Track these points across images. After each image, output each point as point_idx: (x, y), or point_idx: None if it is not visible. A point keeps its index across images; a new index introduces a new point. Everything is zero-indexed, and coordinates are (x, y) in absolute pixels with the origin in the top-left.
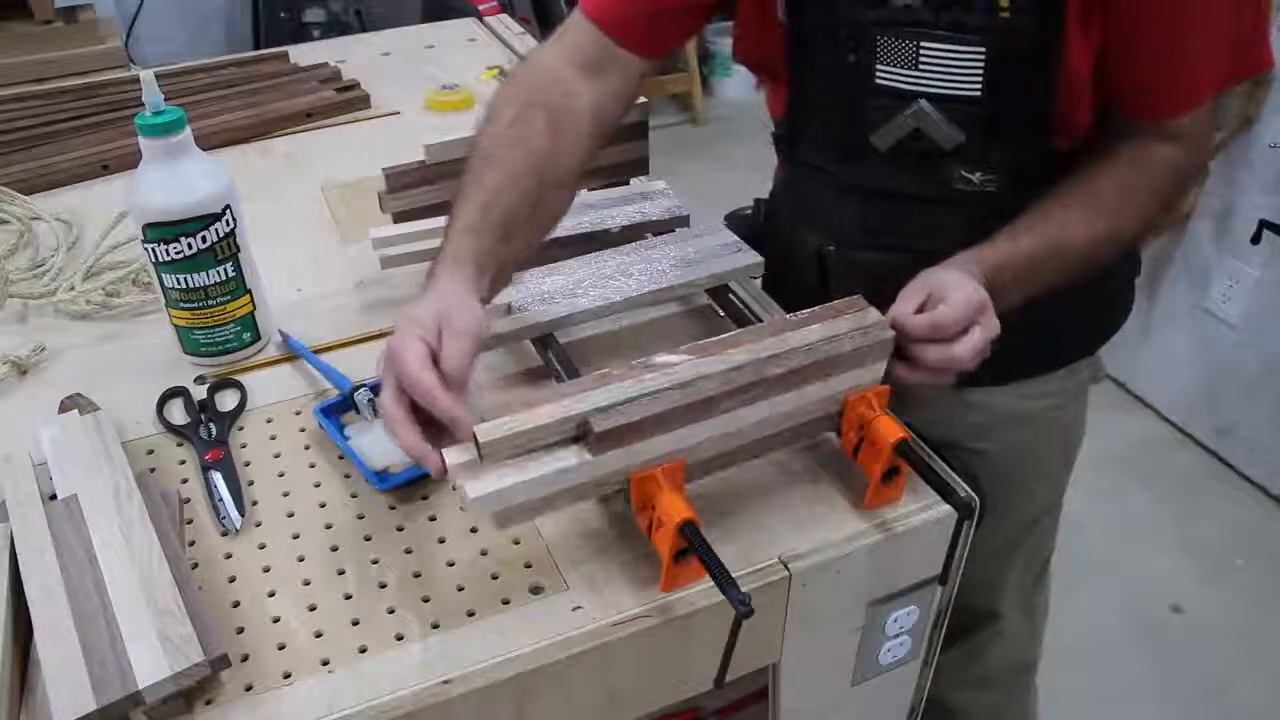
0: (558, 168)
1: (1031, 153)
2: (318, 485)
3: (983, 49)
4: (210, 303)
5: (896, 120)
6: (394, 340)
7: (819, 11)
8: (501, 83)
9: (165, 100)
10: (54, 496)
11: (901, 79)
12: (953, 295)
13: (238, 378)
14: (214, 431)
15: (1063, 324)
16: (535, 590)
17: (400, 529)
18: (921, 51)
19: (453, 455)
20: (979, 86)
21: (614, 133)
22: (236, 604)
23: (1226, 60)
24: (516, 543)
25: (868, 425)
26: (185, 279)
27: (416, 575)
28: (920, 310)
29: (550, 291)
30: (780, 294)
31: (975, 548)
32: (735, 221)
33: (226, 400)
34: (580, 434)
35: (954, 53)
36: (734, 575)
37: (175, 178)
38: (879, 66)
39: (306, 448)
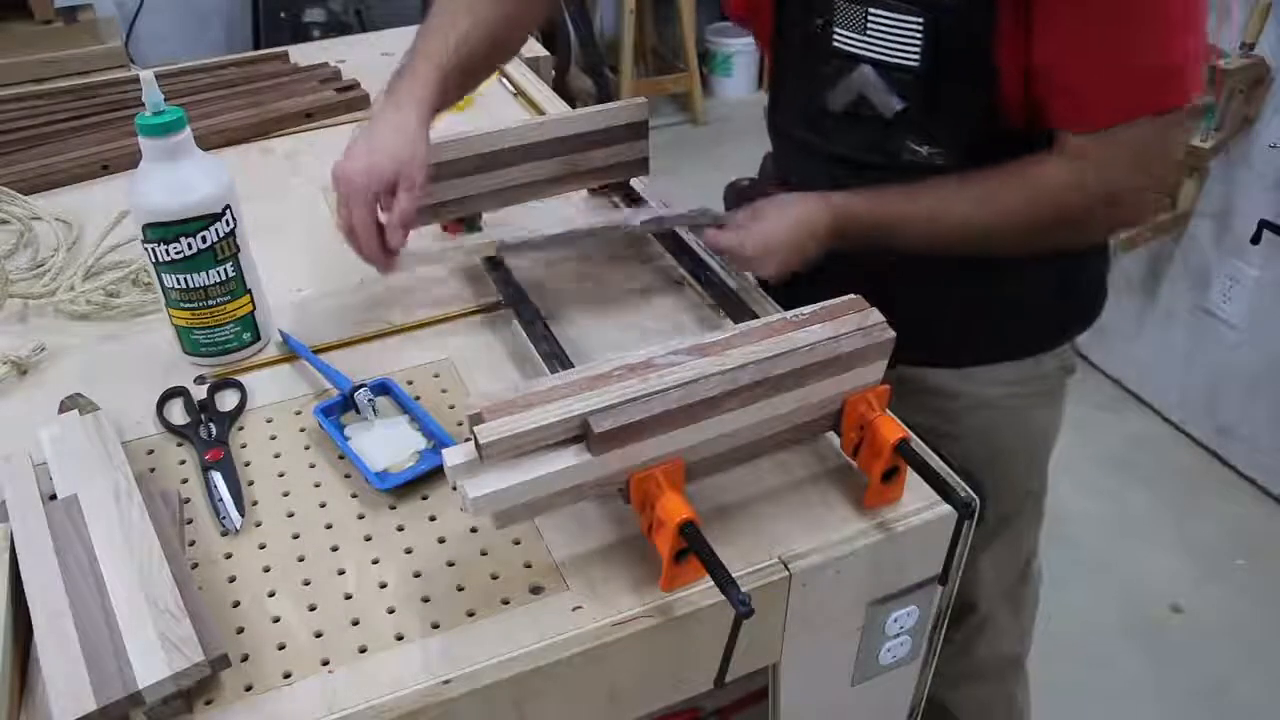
0: (518, 32)
1: (978, 130)
2: (318, 485)
3: (921, 20)
4: (210, 303)
5: (843, 84)
6: (349, 178)
7: None
8: None
9: (165, 100)
10: (54, 496)
11: (852, 43)
12: (757, 225)
13: (238, 378)
14: (214, 431)
15: (1018, 313)
16: (535, 590)
17: (400, 529)
18: (869, 17)
19: (452, 455)
20: (918, 57)
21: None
22: (236, 604)
23: (1139, 86)
24: (516, 543)
25: (868, 425)
26: (185, 279)
27: (416, 575)
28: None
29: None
30: None
31: None
32: (732, 191)
33: (226, 400)
34: (580, 434)
35: (896, 20)
36: (734, 575)
37: (175, 178)
38: (835, 29)
39: (306, 448)
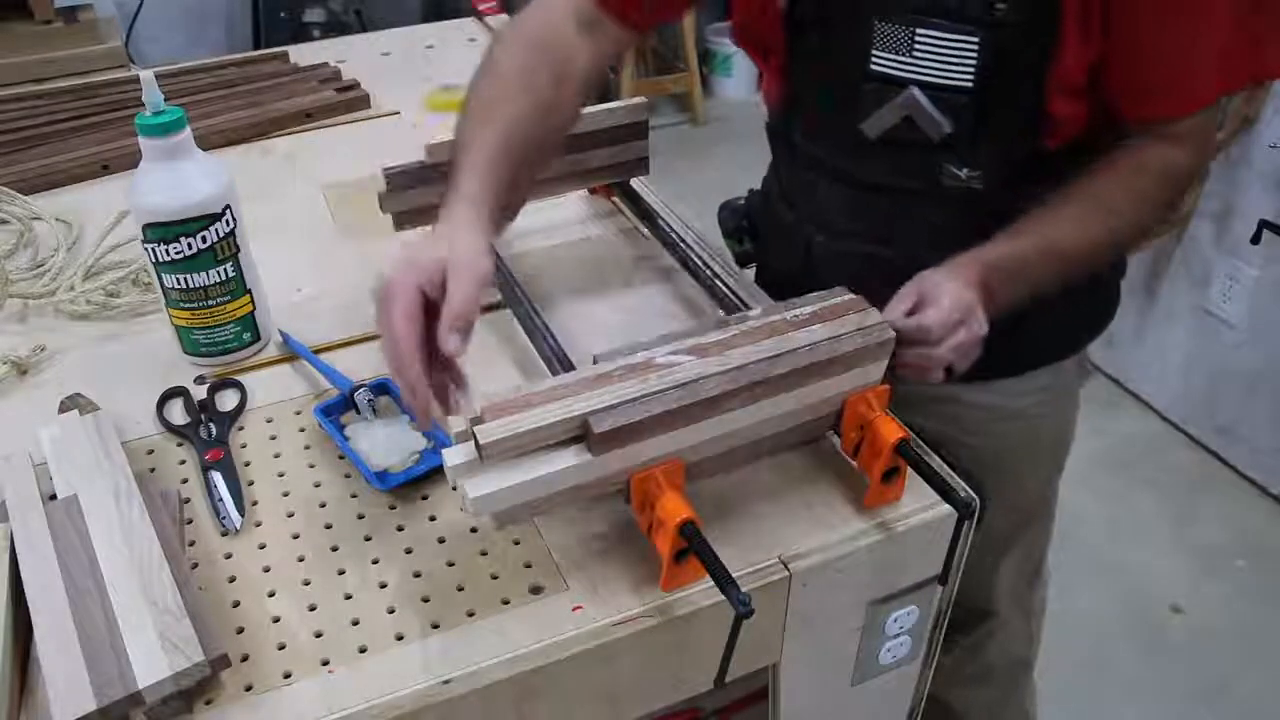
0: (559, 120)
1: (1020, 151)
2: (318, 485)
3: (976, 40)
4: (210, 303)
5: (887, 107)
6: (388, 284)
7: None
8: (503, 29)
9: (165, 100)
10: (54, 496)
11: (895, 65)
12: (941, 300)
13: (238, 378)
14: (214, 431)
15: (1045, 323)
16: (535, 590)
17: (400, 529)
18: (916, 38)
19: (452, 455)
20: (971, 77)
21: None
22: (236, 604)
23: (1231, 63)
24: (516, 543)
25: (868, 425)
26: (185, 279)
27: (416, 575)
28: (911, 313)
29: None
30: (767, 283)
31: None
32: (728, 212)
33: (226, 400)
34: (580, 434)
35: (948, 41)
36: (734, 575)
37: (175, 178)
38: (874, 52)
39: (306, 448)
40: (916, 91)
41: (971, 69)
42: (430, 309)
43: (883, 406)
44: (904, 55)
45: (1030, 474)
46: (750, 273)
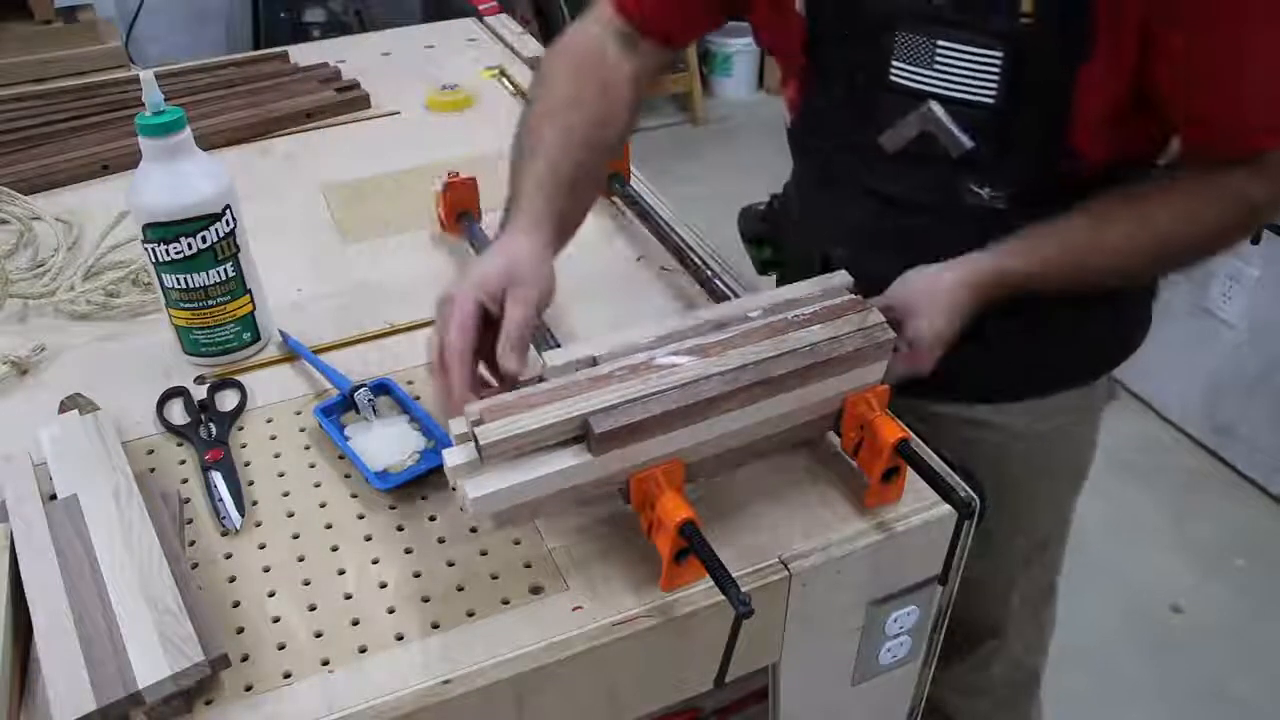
0: (611, 131)
1: (1044, 173)
2: (318, 485)
3: (1000, 54)
4: (210, 303)
5: (905, 121)
6: (448, 296)
7: (839, 3)
8: (549, 54)
9: (165, 100)
10: (54, 496)
11: (915, 77)
12: (919, 312)
13: (238, 378)
14: (214, 431)
15: (1079, 344)
16: (535, 590)
17: (400, 529)
18: (938, 50)
19: (453, 456)
20: (994, 93)
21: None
22: (236, 604)
23: None
24: (517, 543)
25: (868, 425)
26: (185, 279)
27: (416, 575)
28: (892, 321)
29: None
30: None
31: (984, 566)
32: (749, 217)
33: (226, 400)
34: (580, 434)
35: (970, 54)
36: (734, 575)
37: (175, 178)
38: (894, 62)
39: (306, 448)
40: (935, 106)
41: (994, 84)
42: (489, 321)
43: (883, 406)
44: (924, 67)
45: (1052, 495)
46: (745, 273)
